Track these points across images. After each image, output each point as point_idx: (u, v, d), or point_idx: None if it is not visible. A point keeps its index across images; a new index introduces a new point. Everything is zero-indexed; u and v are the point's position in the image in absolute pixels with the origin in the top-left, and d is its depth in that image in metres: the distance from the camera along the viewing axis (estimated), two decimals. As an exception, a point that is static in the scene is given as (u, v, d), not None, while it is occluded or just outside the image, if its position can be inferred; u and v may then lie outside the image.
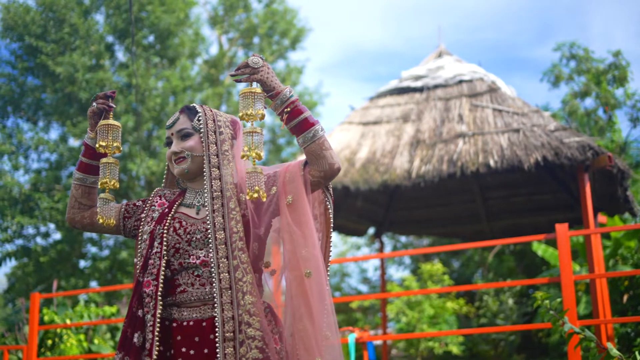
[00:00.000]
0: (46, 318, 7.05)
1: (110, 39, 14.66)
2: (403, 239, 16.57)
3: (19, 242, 13.85)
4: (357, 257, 15.13)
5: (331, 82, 47.01)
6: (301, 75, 18.05)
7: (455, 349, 8.61)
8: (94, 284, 14.15)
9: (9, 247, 13.81)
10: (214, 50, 18.74)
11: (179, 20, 14.45)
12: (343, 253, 18.80)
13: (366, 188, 7.14)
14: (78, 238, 13.71)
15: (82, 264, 14.63)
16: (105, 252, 14.56)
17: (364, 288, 17.96)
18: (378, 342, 10.52)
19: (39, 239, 14.09)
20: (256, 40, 17.64)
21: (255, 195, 1.99)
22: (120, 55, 14.88)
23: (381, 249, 10.56)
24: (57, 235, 14.06)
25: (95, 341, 7.22)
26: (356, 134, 7.99)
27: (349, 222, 9.78)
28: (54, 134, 14.99)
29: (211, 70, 16.97)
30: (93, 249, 14.66)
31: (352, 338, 5.66)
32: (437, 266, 9.31)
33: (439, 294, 9.21)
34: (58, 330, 6.99)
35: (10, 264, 14.32)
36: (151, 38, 14.78)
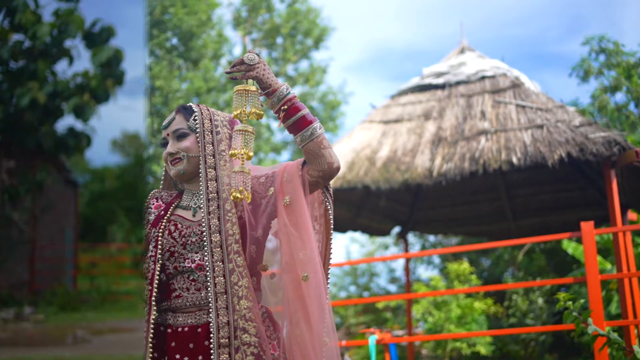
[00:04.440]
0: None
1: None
2: (432, 238, 16.36)
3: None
4: (382, 257, 15.00)
5: (358, 81, 46.85)
6: (325, 74, 18.00)
7: (483, 350, 8.44)
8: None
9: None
10: (237, 51, 18.78)
11: (201, 22, 14.50)
12: (371, 253, 18.67)
13: (387, 187, 7.02)
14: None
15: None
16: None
17: (392, 288, 17.80)
18: (405, 342, 10.38)
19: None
20: (279, 40, 17.63)
21: (239, 195, 1.93)
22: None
23: (406, 249, 10.41)
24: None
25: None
26: (377, 133, 7.89)
27: (373, 221, 9.65)
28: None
29: (235, 71, 16.96)
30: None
31: (372, 340, 5.55)
32: (464, 265, 9.15)
33: (467, 293, 9.05)
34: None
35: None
36: (174, 40, 14.86)
